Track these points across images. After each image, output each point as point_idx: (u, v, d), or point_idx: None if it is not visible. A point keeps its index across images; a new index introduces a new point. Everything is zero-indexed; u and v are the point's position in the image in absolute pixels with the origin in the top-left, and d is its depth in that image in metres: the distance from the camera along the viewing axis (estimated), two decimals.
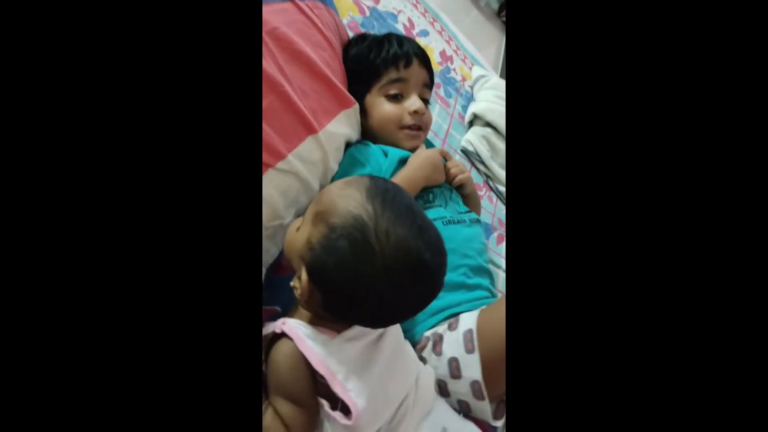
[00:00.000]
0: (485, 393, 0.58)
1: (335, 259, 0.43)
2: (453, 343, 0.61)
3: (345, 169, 0.70)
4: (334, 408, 0.46)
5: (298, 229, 0.48)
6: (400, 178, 0.71)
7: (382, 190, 0.45)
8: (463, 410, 0.62)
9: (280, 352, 0.47)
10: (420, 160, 0.75)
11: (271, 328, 0.49)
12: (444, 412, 0.56)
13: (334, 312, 0.47)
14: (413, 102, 0.77)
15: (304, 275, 0.45)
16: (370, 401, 0.46)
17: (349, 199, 0.44)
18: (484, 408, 0.59)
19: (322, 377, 0.45)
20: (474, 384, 0.59)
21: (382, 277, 0.43)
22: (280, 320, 0.49)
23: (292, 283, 0.47)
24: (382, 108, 0.77)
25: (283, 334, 0.47)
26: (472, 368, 0.58)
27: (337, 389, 0.45)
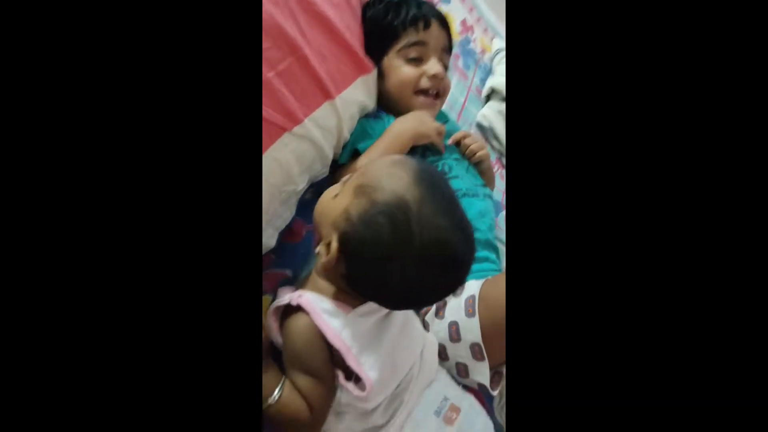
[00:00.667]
0: (485, 354, 0.60)
1: (372, 234, 0.43)
2: (455, 307, 0.62)
3: (355, 140, 0.69)
4: (347, 378, 0.47)
5: (335, 196, 0.48)
6: (386, 135, 0.69)
7: (429, 176, 0.45)
8: (461, 374, 0.63)
9: (297, 326, 0.47)
10: (406, 116, 0.72)
11: (286, 298, 0.49)
12: (445, 383, 0.57)
13: (355, 285, 0.47)
14: (433, 65, 0.75)
15: (334, 243, 0.45)
16: (383, 373, 0.47)
17: (396, 179, 0.44)
18: (483, 370, 0.60)
19: (337, 350, 0.46)
20: (474, 346, 0.60)
21: (414, 262, 0.43)
22: (297, 293, 0.49)
23: (317, 249, 0.47)
24: (400, 70, 0.75)
25: (299, 308, 0.47)
26: (472, 332, 0.59)
27: (352, 363, 0.46)
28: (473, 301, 0.61)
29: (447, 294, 0.49)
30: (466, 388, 0.69)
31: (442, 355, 0.63)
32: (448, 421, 0.53)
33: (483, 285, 0.62)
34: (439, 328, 0.62)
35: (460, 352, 0.61)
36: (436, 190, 0.44)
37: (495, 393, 0.63)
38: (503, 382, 0.65)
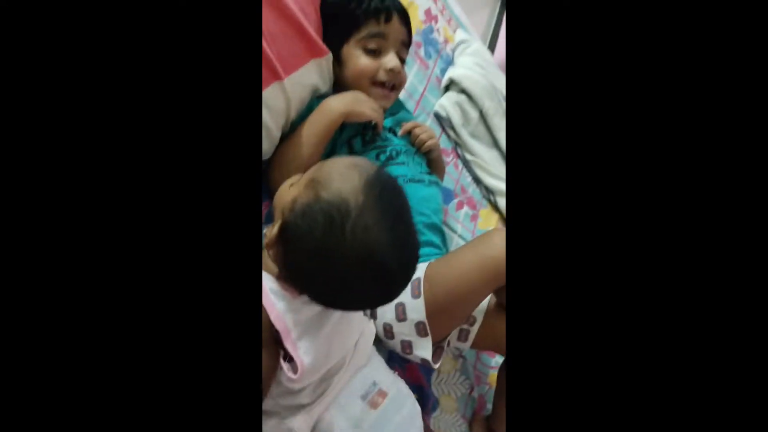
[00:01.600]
0: (429, 330, 0.63)
1: (307, 228, 0.43)
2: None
3: (301, 119, 0.69)
4: (283, 358, 0.49)
5: (291, 185, 0.50)
6: (316, 111, 0.68)
7: (381, 185, 0.45)
8: (405, 351, 0.67)
9: None
10: (341, 94, 0.71)
11: None
12: (376, 369, 0.60)
13: (288, 274, 0.49)
14: (390, 59, 0.77)
15: (275, 228, 0.46)
16: (316, 359, 0.49)
17: (346, 181, 0.44)
18: (426, 345, 0.64)
19: (277, 331, 0.48)
20: (419, 324, 0.64)
21: (340, 267, 0.43)
22: None
23: (264, 231, 0.49)
24: (358, 60, 0.76)
25: None
26: (417, 311, 0.63)
27: (289, 345, 0.48)
28: (418, 283, 0.64)
29: (378, 304, 0.50)
30: (405, 364, 0.73)
31: (388, 334, 0.66)
32: (373, 404, 0.56)
33: (427, 267, 0.66)
34: (386, 309, 0.66)
35: (405, 330, 0.65)
36: (385, 202, 0.44)
37: (436, 366, 0.68)
38: (444, 356, 0.70)
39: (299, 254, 0.45)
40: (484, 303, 0.70)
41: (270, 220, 0.67)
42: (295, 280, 0.49)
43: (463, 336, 0.71)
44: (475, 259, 0.63)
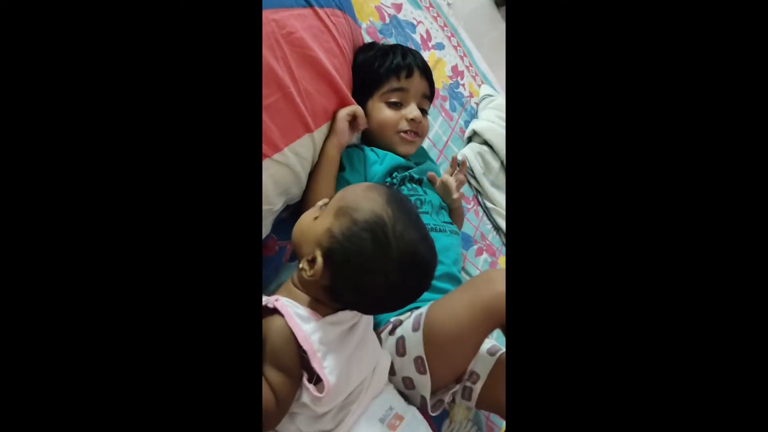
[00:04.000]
0: (427, 367, 0.64)
1: (357, 248, 0.50)
2: (406, 325, 0.68)
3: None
4: (309, 380, 0.53)
5: (315, 218, 0.55)
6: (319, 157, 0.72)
7: (397, 199, 0.54)
8: (407, 387, 0.68)
9: (274, 327, 0.53)
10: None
11: (263, 301, 0.54)
12: (392, 395, 0.63)
13: (337, 294, 0.53)
14: (411, 110, 0.83)
15: (319, 258, 0.51)
16: (339, 379, 0.53)
17: (372, 201, 0.52)
18: (425, 383, 0.65)
19: (304, 352, 0.52)
20: (417, 359, 0.65)
21: (393, 270, 0.51)
22: (273, 297, 0.55)
23: (300, 265, 0.54)
24: (382, 113, 0.82)
25: (276, 310, 0.53)
26: (416, 345, 0.65)
27: (315, 365, 0.51)
28: (420, 318, 0.66)
29: (417, 297, 0.57)
30: (410, 392, 0.74)
31: (391, 370, 0.68)
32: (391, 427, 0.59)
33: (431, 304, 0.68)
34: (390, 344, 0.68)
35: (405, 366, 0.66)
36: (405, 209, 0.54)
37: (433, 414, 0.68)
38: (456, 405, 0.70)
39: (352, 272, 0.51)
40: (490, 361, 0.71)
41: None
42: (345, 297, 0.54)
43: (467, 394, 0.72)
44: (467, 297, 0.65)
